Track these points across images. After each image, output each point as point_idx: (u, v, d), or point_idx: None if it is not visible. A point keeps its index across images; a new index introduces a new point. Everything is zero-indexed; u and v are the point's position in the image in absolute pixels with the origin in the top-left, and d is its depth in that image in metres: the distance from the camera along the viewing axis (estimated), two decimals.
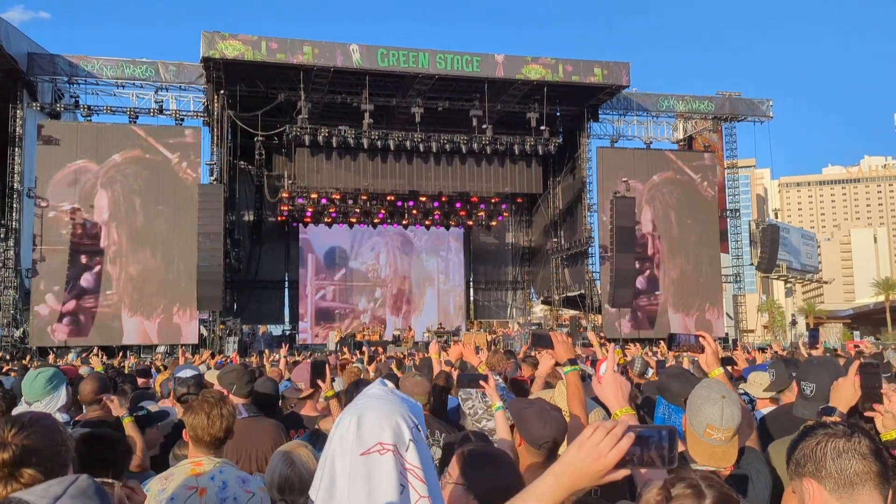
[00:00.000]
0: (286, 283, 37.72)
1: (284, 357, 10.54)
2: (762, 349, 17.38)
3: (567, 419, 3.28)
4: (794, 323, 46.67)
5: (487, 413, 3.84)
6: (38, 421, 1.92)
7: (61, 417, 4.01)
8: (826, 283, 63.42)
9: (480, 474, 2.12)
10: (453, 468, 2.14)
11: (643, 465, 1.44)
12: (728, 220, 38.61)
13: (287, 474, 2.67)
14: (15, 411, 4.16)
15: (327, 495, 1.50)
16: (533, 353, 7.92)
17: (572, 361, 3.53)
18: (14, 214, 28.66)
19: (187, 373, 5.49)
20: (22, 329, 27.61)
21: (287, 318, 38.03)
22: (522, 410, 3.11)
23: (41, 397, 4.05)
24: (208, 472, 2.79)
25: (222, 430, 2.94)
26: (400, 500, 1.47)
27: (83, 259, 28.81)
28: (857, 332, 57.35)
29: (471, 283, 40.83)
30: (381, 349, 23.45)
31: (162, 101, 30.66)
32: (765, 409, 4.84)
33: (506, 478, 2.14)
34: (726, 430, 2.69)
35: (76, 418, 4.54)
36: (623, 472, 1.43)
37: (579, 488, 1.47)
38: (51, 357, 18.91)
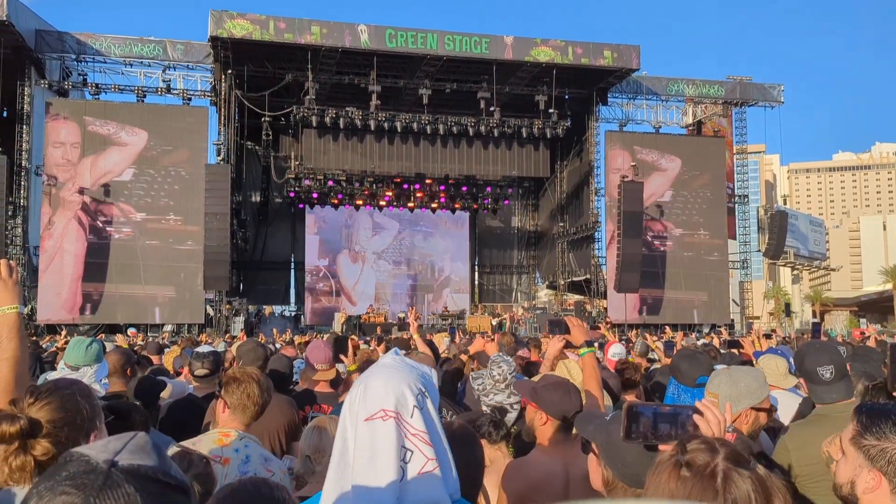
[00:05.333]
0: (292, 263, 37.81)
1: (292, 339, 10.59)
2: (767, 336, 17.38)
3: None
4: (788, 313, 46.47)
5: (495, 388, 3.95)
6: (56, 391, 1.95)
7: (101, 388, 4.17)
8: (833, 270, 63.19)
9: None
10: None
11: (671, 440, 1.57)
12: (736, 206, 38.47)
13: (315, 442, 2.87)
14: (53, 375, 4.27)
15: (340, 458, 1.59)
16: (539, 336, 7.98)
17: (588, 343, 3.66)
18: (22, 192, 28.73)
19: (205, 349, 5.55)
20: (30, 306, 27.76)
21: (293, 299, 38.18)
22: (538, 389, 3.13)
23: (91, 363, 4.28)
24: (234, 444, 2.85)
25: (260, 399, 3.02)
26: (404, 464, 1.54)
27: (90, 237, 28.89)
28: (863, 320, 57.25)
29: (476, 267, 40.84)
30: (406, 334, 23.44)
31: (169, 81, 30.61)
32: (775, 392, 4.84)
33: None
34: (712, 394, 2.88)
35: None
36: None
37: None
38: (121, 338, 18.23)
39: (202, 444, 2.89)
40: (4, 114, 28.82)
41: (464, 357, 6.15)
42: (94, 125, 29.21)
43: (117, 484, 1.00)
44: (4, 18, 25.62)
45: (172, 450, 2.03)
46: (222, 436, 2.90)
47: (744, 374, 2.99)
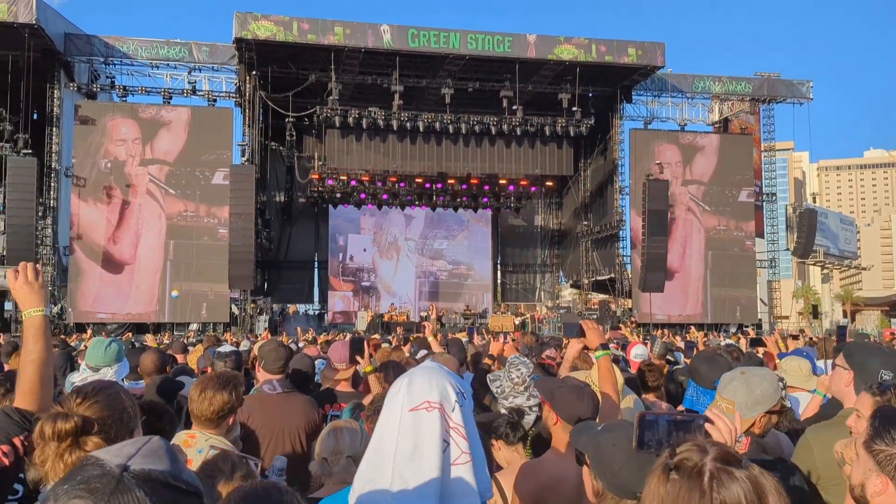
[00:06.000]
0: (316, 263, 38.03)
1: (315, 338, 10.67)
2: (794, 336, 17.15)
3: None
4: (815, 315, 45.63)
5: (514, 391, 3.95)
6: (102, 390, 2.03)
7: (130, 386, 4.23)
8: (864, 269, 62.25)
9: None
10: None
11: None
12: (764, 204, 38.02)
13: (332, 444, 2.94)
14: (76, 377, 4.35)
15: (376, 450, 1.65)
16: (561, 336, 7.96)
17: (604, 346, 3.65)
18: (52, 193, 29.22)
19: (227, 349, 5.62)
20: (60, 305, 28.23)
21: (317, 298, 38.41)
22: (555, 389, 3.14)
23: (112, 363, 4.32)
24: (198, 445, 2.94)
25: (212, 411, 3.05)
26: (442, 455, 1.60)
27: (118, 237, 29.30)
28: (895, 320, 56.26)
29: (498, 266, 40.77)
30: (426, 324, 23.50)
31: (195, 82, 30.96)
32: (797, 394, 4.80)
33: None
34: (727, 400, 2.85)
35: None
36: None
37: None
38: (150, 337, 18.30)
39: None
40: (34, 116, 29.30)
41: (488, 361, 6.18)
42: (146, 112, 29.95)
43: (128, 488, 1.03)
44: (34, 22, 26.07)
45: (211, 452, 2.08)
46: (188, 437, 3.01)
47: (760, 380, 2.96)
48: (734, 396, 2.86)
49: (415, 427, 1.61)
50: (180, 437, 3.01)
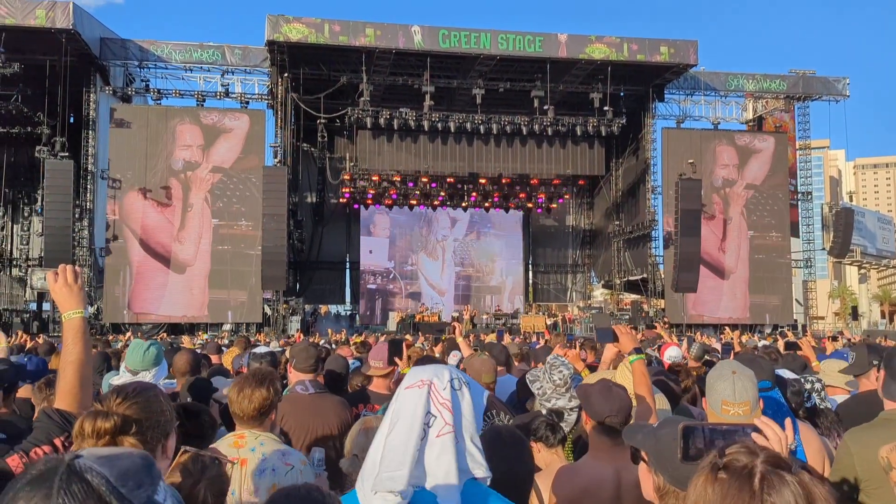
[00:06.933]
0: (347, 263, 38.22)
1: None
2: (833, 338, 16.83)
3: (633, 402, 3.31)
4: (855, 317, 44.71)
5: (556, 392, 3.90)
6: (142, 392, 2.05)
7: (165, 385, 4.27)
8: None
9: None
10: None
11: None
12: (799, 203, 37.40)
13: (363, 441, 2.94)
14: (116, 379, 4.39)
15: (378, 433, 1.78)
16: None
17: (637, 350, 3.63)
18: (88, 195, 29.75)
19: (262, 349, 5.65)
20: (96, 306, 28.73)
21: (348, 299, 38.60)
22: (588, 390, 3.13)
23: (150, 367, 4.34)
24: (250, 444, 2.95)
25: (253, 408, 3.04)
26: (425, 426, 1.72)
27: (153, 239, 29.74)
28: None
29: (530, 266, 40.62)
30: (456, 325, 23.47)
31: (228, 85, 31.32)
32: (836, 395, 4.70)
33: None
34: (741, 403, 2.77)
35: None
36: None
37: None
38: (186, 339, 18.57)
39: (218, 450, 2.95)
40: (71, 120, 29.89)
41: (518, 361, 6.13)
42: (209, 118, 30.53)
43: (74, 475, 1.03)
44: (70, 27, 26.59)
45: (186, 454, 2.07)
46: (237, 438, 3.00)
47: (751, 380, 2.91)
48: (746, 396, 2.80)
49: (405, 402, 1.76)
50: (228, 440, 3.00)
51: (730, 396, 2.78)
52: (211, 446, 3.06)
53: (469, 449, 1.75)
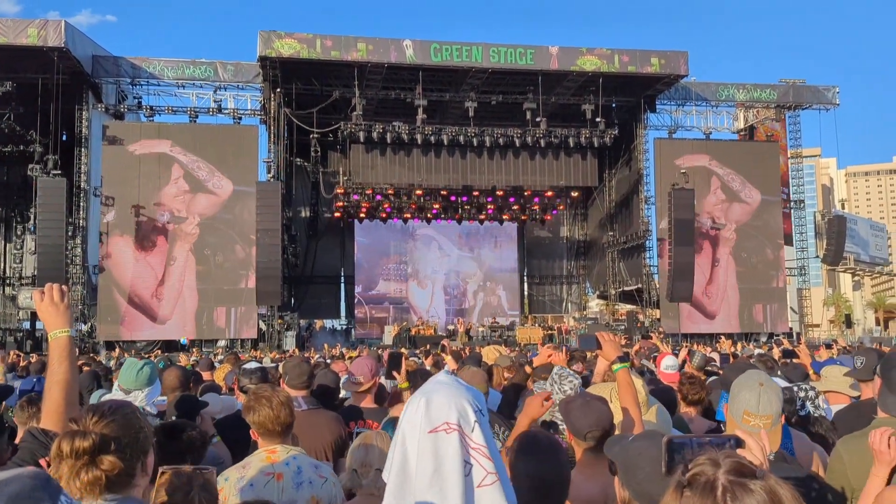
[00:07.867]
0: (342, 278, 38.16)
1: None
2: (828, 346, 16.83)
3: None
4: (849, 325, 44.82)
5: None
6: (118, 409, 2.02)
7: (152, 408, 4.25)
8: None
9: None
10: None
11: None
12: (792, 211, 37.53)
13: (362, 456, 2.95)
14: (107, 397, 4.35)
15: (401, 472, 1.63)
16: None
17: (622, 359, 3.58)
18: (81, 213, 29.66)
19: (252, 365, 5.62)
20: (90, 324, 28.58)
21: (343, 313, 38.50)
22: (568, 405, 3.13)
23: (143, 387, 4.29)
24: (283, 458, 2.98)
25: (290, 416, 3.08)
26: (465, 477, 1.59)
27: (147, 255, 29.63)
28: None
29: (525, 278, 40.60)
30: (446, 343, 23.41)
31: (220, 101, 31.33)
32: (838, 404, 4.68)
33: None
34: (764, 416, 2.76)
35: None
36: None
37: None
38: (184, 357, 18.48)
39: (252, 465, 2.98)
40: (63, 137, 29.84)
41: (528, 369, 6.09)
42: (193, 167, 30.21)
43: None
44: (62, 45, 26.60)
45: (166, 474, 2.03)
46: (269, 453, 3.01)
47: (776, 392, 2.89)
48: (770, 409, 2.78)
49: (434, 450, 1.59)
50: (260, 455, 3.02)
51: (753, 408, 2.77)
52: (242, 461, 3.09)
53: (512, 490, 1.66)
